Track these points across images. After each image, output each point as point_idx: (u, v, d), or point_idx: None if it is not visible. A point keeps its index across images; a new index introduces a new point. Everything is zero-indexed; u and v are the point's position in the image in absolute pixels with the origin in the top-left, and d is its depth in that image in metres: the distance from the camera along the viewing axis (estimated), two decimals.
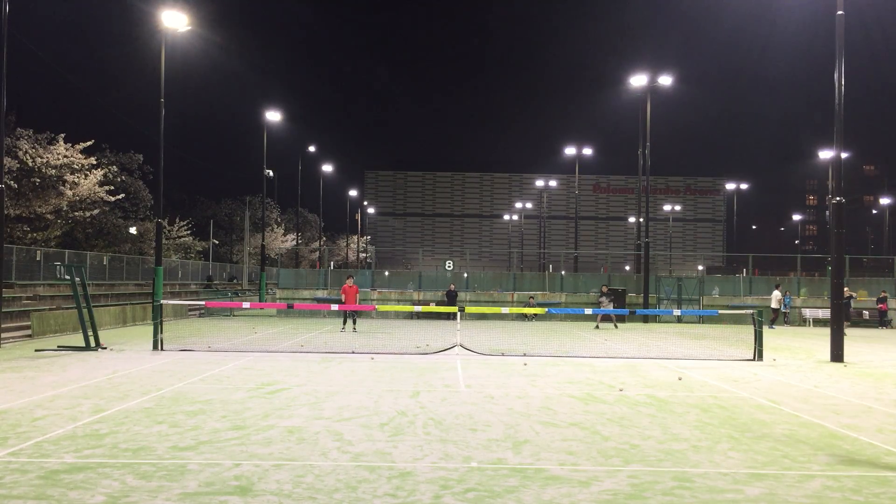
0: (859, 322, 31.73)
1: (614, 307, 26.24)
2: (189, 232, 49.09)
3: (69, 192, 30.70)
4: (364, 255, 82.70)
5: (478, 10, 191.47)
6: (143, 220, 42.20)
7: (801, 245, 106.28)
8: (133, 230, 40.76)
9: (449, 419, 8.68)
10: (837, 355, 16.38)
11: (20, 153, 29.11)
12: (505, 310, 22.69)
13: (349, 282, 23.52)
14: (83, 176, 31.41)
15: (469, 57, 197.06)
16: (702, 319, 32.57)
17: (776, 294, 29.89)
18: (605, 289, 27.78)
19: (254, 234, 57.85)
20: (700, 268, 67.68)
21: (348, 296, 22.94)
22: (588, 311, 20.18)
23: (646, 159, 34.93)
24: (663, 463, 6.80)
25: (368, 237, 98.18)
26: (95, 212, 33.02)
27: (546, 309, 22.95)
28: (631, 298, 32.77)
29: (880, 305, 30.91)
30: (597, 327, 26.52)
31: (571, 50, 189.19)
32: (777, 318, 29.98)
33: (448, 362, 14.71)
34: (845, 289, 26.45)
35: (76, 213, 32.02)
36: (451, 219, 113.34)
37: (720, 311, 23.81)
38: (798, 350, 19.34)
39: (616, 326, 27.43)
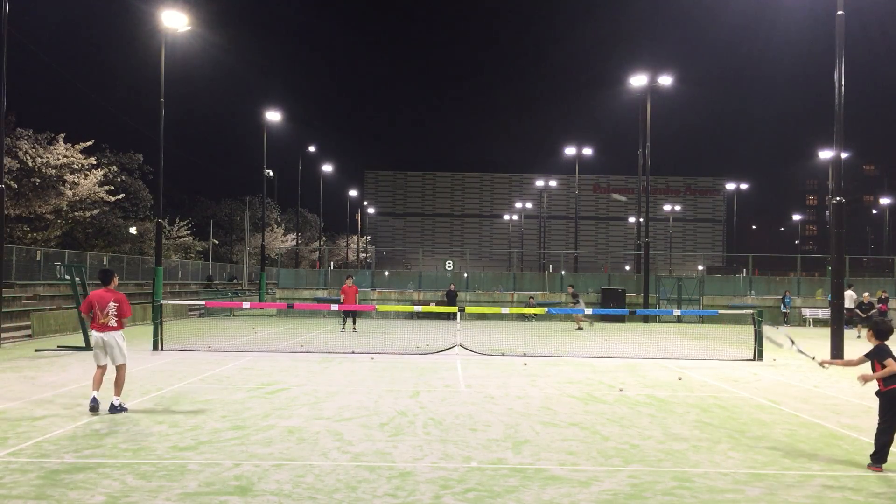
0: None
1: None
2: (189, 232, 49.08)
3: (69, 192, 30.69)
4: (364, 255, 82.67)
5: (478, 11, 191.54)
6: (143, 220, 42.18)
7: (801, 245, 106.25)
8: (133, 230, 40.76)
9: (449, 419, 8.68)
10: (837, 355, 16.36)
11: (20, 153, 29.10)
12: (505, 310, 22.68)
13: (349, 282, 23.53)
14: (83, 176, 31.40)
15: (469, 57, 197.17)
16: (702, 319, 32.58)
17: (850, 294, 25.93)
18: (570, 290, 27.69)
19: (254, 234, 57.81)
20: (700, 268, 67.64)
21: (348, 296, 22.95)
22: (588, 311, 20.19)
23: (646, 159, 34.92)
24: (663, 463, 6.80)
25: (368, 237, 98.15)
26: (95, 212, 33.01)
27: (546, 309, 22.94)
28: (631, 298, 32.77)
29: (880, 305, 30.87)
30: (580, 328, 26.28)
31: (571, 50, 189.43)
32: (850, 318, 26.28)
33: (448, 362, 14.71)
34: (865, 294, 25.96)
35: (76, 213, 32.02)
36: (451, 219, 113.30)
37: (720, 311, 23.81)
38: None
39: (591, 324, 27.71)
